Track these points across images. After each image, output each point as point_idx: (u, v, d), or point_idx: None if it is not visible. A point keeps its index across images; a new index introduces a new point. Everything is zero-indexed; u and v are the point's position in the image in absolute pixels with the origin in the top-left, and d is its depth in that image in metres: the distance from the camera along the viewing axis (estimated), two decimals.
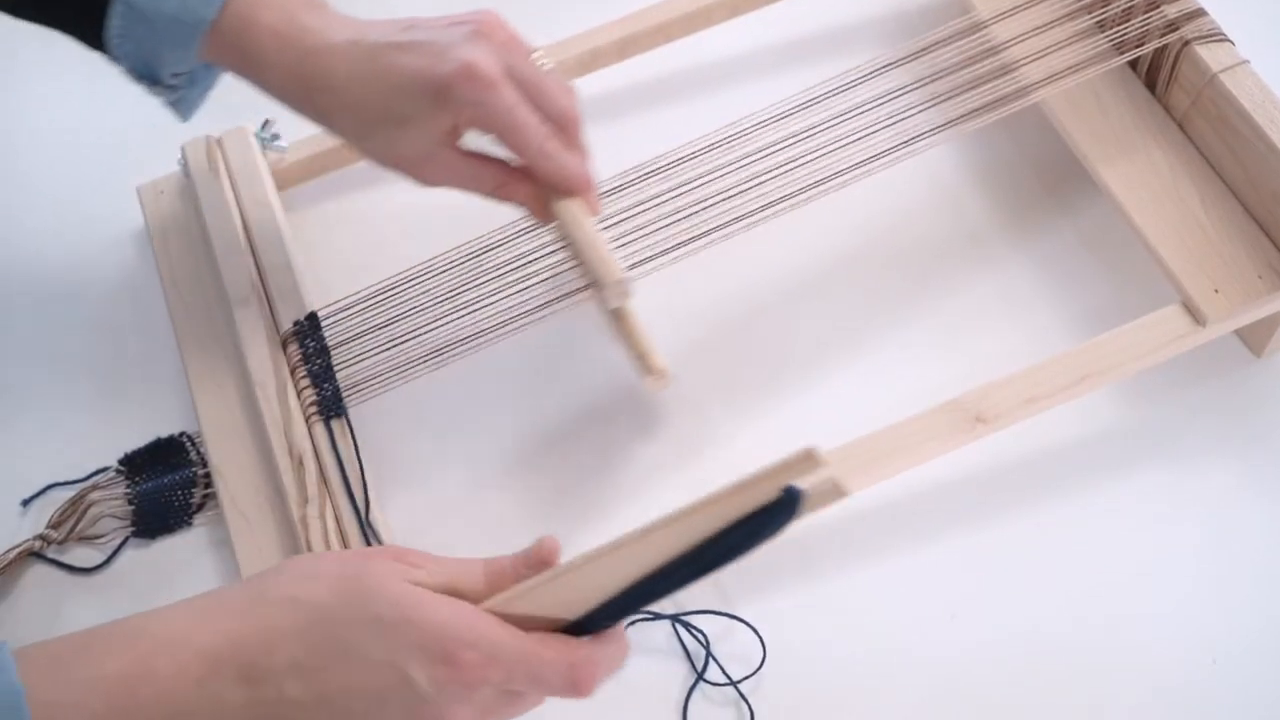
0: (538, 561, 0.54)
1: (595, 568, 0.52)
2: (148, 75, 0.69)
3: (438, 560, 0.54)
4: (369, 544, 0.67)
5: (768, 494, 0.51)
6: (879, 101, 0.73)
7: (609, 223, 0.72)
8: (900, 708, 0.66)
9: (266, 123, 0.83)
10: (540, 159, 0.65)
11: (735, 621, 0.68)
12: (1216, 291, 0.70)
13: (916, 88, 0.74)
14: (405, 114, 0.64)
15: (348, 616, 0.51)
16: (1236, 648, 0.66)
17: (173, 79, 0.69)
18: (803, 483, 0.51)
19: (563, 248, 0.70)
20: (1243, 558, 0.69)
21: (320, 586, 0.51)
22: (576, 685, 0.52)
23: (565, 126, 0.66)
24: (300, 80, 0.66)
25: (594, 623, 0.54)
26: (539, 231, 0.73)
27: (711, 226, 0.72)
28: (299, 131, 0.84)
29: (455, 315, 0.72)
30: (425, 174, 0.67)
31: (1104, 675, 0.66)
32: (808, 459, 0.51)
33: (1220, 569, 0.69)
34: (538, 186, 0.68)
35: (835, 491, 0.52)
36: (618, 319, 0.68)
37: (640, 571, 0.52)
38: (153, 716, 0.49)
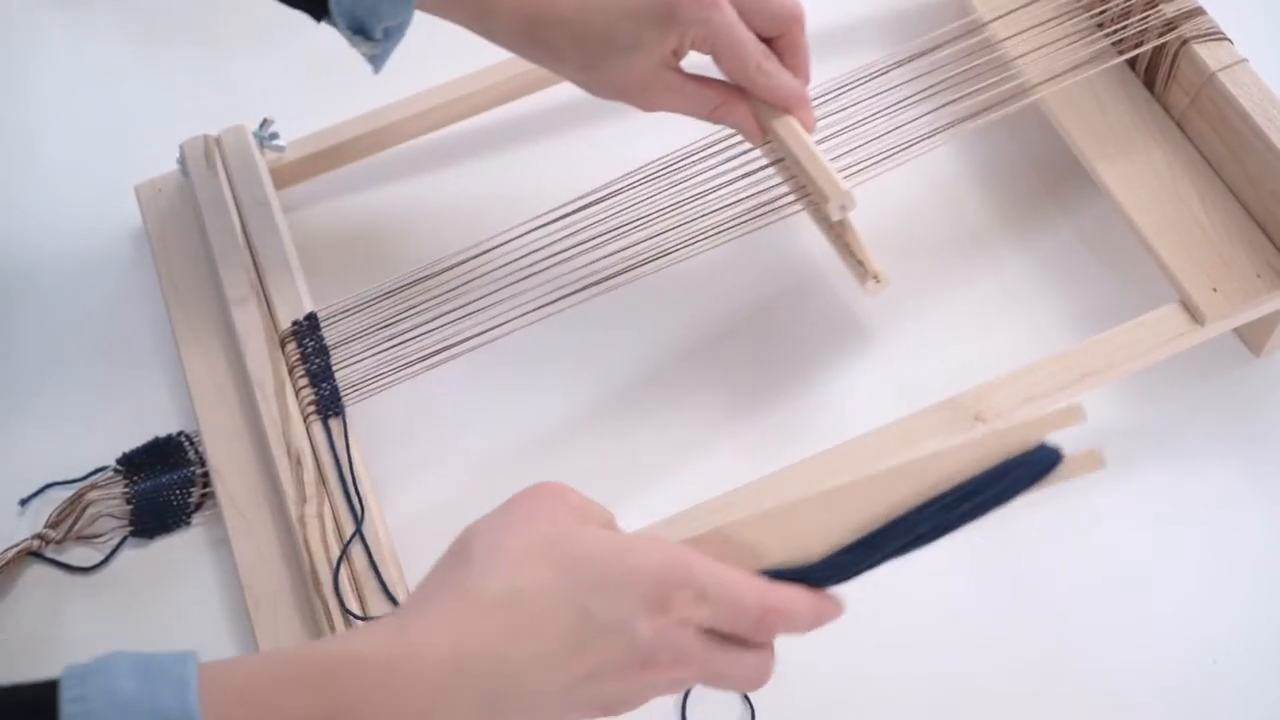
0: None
1: (814, 509, 0.48)
2: (358, 29, 0.69)
3: (573, 498, 0.52)
4: (366, 547, 0.67)
5: (1023, 444, 0.48)
6: (880, 103, 0.73)
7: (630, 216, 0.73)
8: (901, 708, 0.66)
9: (265, 122, 0.83)
10: (758, 76, 0.67)
11: None
12: (1215, 290, 0.70)
13: (918, 89, 0.74)
14: (633, 39, 0.65)
15: (572, 592, 0.48)
16: (1237, 648, 0.66)
17: (380, 33, 0.70)
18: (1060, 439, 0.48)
19: (772, 164, 0.72)
20: (1242, 557, 0.69)
21: (535, 570, 0.48)
22: (765, 626, 0.50)
23: (790, 28, 0.68)
24: (527, 17, 0.67)
25: (812, 577, 0.50)
26: (538, 236, 0.73)
27: (711, 228, 0.72)
28: (297, 130, 0.84)
29: (455, 315, 0.72)
30: (649, 98, 0.69)
31: (1104, 675, 0.66)
32: (1072, 413, 0.49)
33: (1220, 568, 0.69)
34: (753, 106, 0.69)
35: (1093, 460, 0.50)
36: (839, 229, 0.70)
37: (864, 522, 0.48)
38: None
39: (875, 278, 0.71)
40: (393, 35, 0.71)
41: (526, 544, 0.49)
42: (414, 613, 0.48)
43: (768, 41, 0.68)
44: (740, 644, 0.51)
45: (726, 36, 0.66)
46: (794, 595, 0.51)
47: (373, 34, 0.69)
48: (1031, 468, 0.49)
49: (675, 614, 0.48)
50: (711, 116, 0.70)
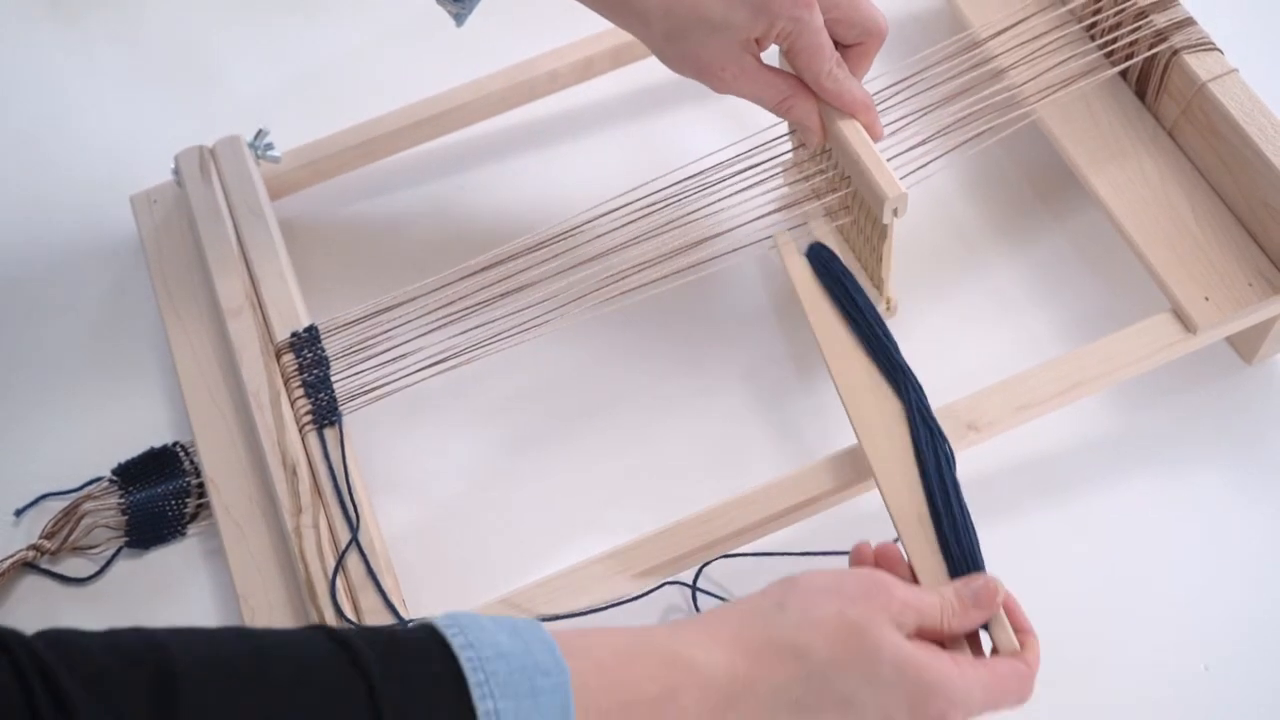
0: (982, 599, 0.60)
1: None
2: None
3: (906, 596, 0.57)
4: (363, 557, 0.67)
5: None
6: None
7: (626, 237, 0.73)
8: None
9: (260, 132, 0.83)
10: (828, 81, 0.69)
11: None
12: (1207, 299, 0.70)
13: (914, 107, 0.74)
14: (723, 17, 0.67)
15: (849, 673, 0.54)
16: (1229, 654, 0.67)
17: None
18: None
19: (818, 174, 0.74)
20: (1234, 563, 0.69)
21: (823, 638, 0.54)
22: (1025, 696, 0.58)
23: (870, 40, 0.70)
24: None
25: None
26: (535, 249, 0.73)
27: (712, 235, 0.72)
28: (292, 141, 0.84)
29: (450, 328, 0.72)
30: (725, 79, 0.70)
31: (1096, 681, 0.66)
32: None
33: (1212, 574, 0.69)
34: (820, 105, 0.71)
35: None
36: (875, 241, 0.71)
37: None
38: None
39: (887, 302, 0.73)
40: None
41: (836, 618, 0.55)
42: (725, 627, 0.55)
43: (843, 48, 0.70)
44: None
45: (810, 38, 0.68)
46: (1028, 654, 0.60)
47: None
48: None
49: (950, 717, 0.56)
50: (779, 108, 0.71)
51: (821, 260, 0.72)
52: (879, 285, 0.73)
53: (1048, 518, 0.71)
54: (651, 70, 0.88)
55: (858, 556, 0.63)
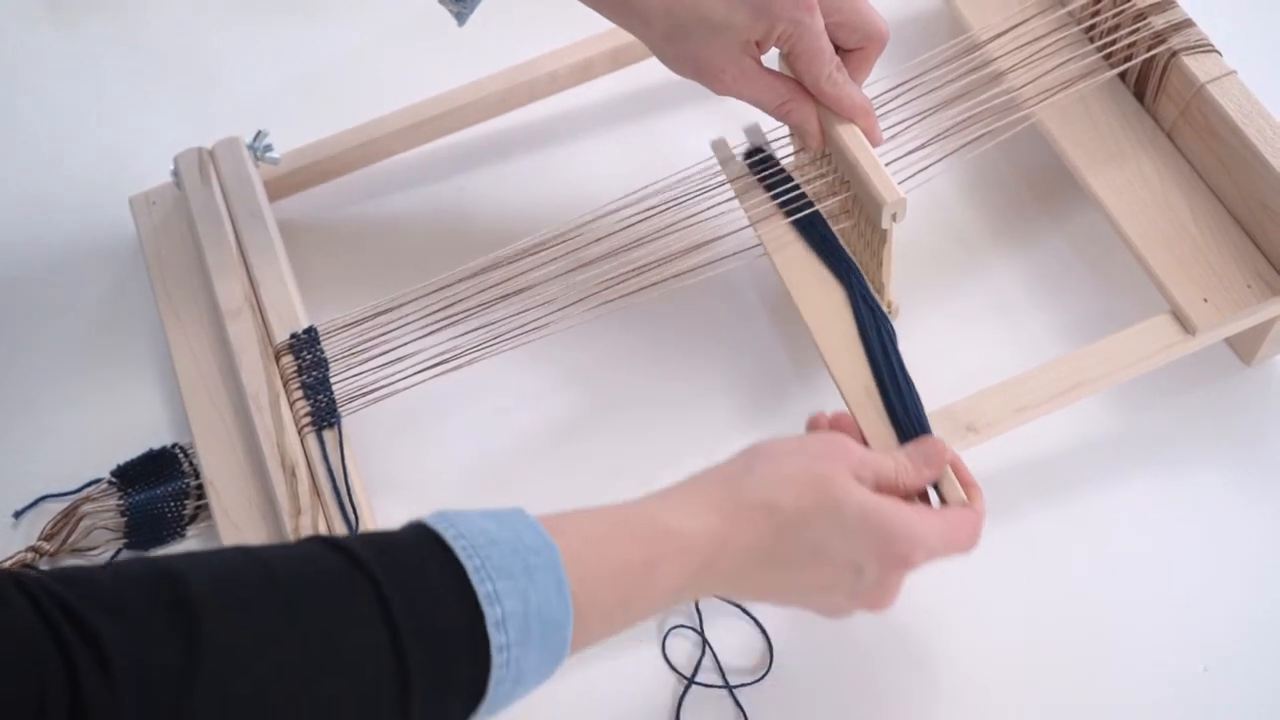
0: (931, 459, 0.63)
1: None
2: None
3: (864, 454, 0.61)
4: None
5: None
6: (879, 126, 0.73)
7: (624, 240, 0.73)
8: (895, 714, 0.66)
9: (259, 134, 0.83)
10: (828, 85, 0.69)
11: (738, 623, 0.68)
12: (1205, 300, 0.70)
13: (915, 110, 0.74)
14: (724, 18, 0.67)
15: (817, 523, 0.57)
16: (1228, 654, 0.67)
17: None
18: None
19: (818, 177, 0.74)
20: (1233, 564, 0.69)
21: (791, 492, 0.57)
22: (975, 543, 0.62)
23: (870, 46, 0.70)
24: None
25: None
26: (535, 252, 0.73)
27: (710, 239, 0.72)
28: (291, 143, 0.84)
29: (449, 329, 0.72)
30: (724, 81, 0.70)
31: (1095, 682, 0.66)
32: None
33: (1211, 575, 0.69)
34: (820, 109, 0.71)
35: None
36: (876, 244, 0.71)
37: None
38: (661, 597, 0.55)
39: (888, 306, 0.73)
40: None
41: (803, 473, 0.58)
42: (699, 494, 0.58)
43: (844, 52, 0.70)
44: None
45: (810, 42, 0.68)
46: (975, 503, 0.63)
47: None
48: None
49: (910, 566, 0.59)
50: (778, 111, 0.71)
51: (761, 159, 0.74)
52: (879, 289, 0.73)
53: (1047, 518, 0.71)
54: (651, 72, 0.88)
55: (814, 424, 0.66)
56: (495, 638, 0.49)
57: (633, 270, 0.72)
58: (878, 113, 0.71)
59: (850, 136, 0.69)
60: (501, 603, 0.49)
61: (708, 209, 0.74)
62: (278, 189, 0.84)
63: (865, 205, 0.69)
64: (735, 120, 0.78)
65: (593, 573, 0.53)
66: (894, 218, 0.68)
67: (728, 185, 0.75)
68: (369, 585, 0.48)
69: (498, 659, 0.49)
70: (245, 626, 0.45)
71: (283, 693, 0.45)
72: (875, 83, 0.74)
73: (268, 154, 0.83)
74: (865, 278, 0.71)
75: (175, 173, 0.82)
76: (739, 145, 0.76)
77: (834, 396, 0.70)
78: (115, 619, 0.43)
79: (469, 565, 0.49)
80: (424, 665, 0.47)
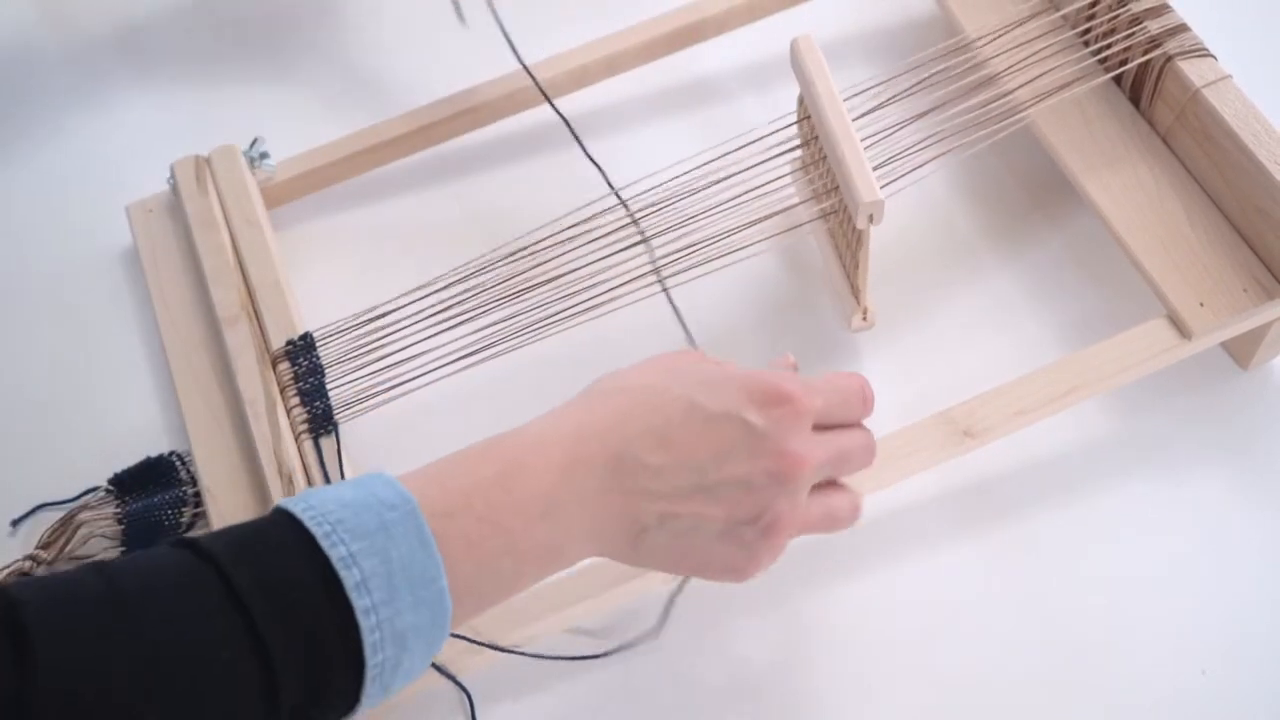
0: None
1: None
2: None
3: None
4: None
5: None
6: (869, 126, 0.73)
7: (620, 244, 0.73)
8: (887, 713, 0.66)
9: (255, 141, 0.83)
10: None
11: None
12: (1202, 305, 0.70)
13: (908, 111, 0.74)
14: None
15: (678, 385, 0.55)
16: (1226, 658, 0.67)
17: None
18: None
19: (818, 178, 0.73)
20: (1231, 568, 0.69)
21: (644, 374, 0.57)
22: (869, 401, 0.60)
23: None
24: None
25: None
26: (530, 255, 0.73)
27: (701, 243, 0.72)
28: (287, 150, 0.84)
29: (447, 334, 0.72)
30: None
31: (1093, 686, 0.66)
32: None
33: (1208, 579, 0.69)
34: (810, 105, 0.71)
35: None
36: (854, 247, 0.70)
37: None
38: (528, 509, 0.52)
39: (864, 312, 0.73)
40: None
41: (640, 369, 0.57)
42: (548, 415, 0.56)
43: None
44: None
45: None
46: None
47: None
48: None
49: (793, 405, 0.55)
50: None
51: None
52: (856, 293, 0.73)
53: (1044, 522, 0.71)
54: (645, 79, 0.88)
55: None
56: (358, 601, 0.47)
57: (633, 272, 0.72)
58: (869, 114, 0.71)
59: (842, 134, 0.69)
60: (360, 564, 0.48)
61: (708, 209, 0.74)
62: (274, 196, 0.84)
63: (847, 205, 0.69)
64: (737, 128, 0.78)
65: (445, 503, 0.51)
66: (870, 219, 0.68)
67: (725, 184, 0.75)
68: (212, 573, 0.46)
69: (365, 622, 0.47)
70: (81, 637, 0.44)
71: (130, 694, 0.43)
72: (868, 83, 0.74)
73: (264, 161, 0.83)
74: (846, 280, 0.70)
75: (172, 180, 0.82)
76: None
77: None
78: None
79: (318, 532, 0.48)
80: (285, 644, 0.46)
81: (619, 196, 0.74)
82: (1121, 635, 0.68)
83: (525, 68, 0.81)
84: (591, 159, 0.79)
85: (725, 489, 0.54)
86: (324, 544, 0.48)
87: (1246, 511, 0.71)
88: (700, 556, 0.56)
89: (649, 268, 0.72)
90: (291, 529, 0.48)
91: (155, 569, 0.47)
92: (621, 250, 0.73)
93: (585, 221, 0.74)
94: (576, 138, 0.81)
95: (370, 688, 0.49)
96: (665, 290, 0.73)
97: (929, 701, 0.67)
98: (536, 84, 0.82)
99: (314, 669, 0.47)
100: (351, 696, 0.49)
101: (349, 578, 0.47)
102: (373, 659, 0.48)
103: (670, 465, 0.54)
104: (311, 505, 0.49)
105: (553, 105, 0.82)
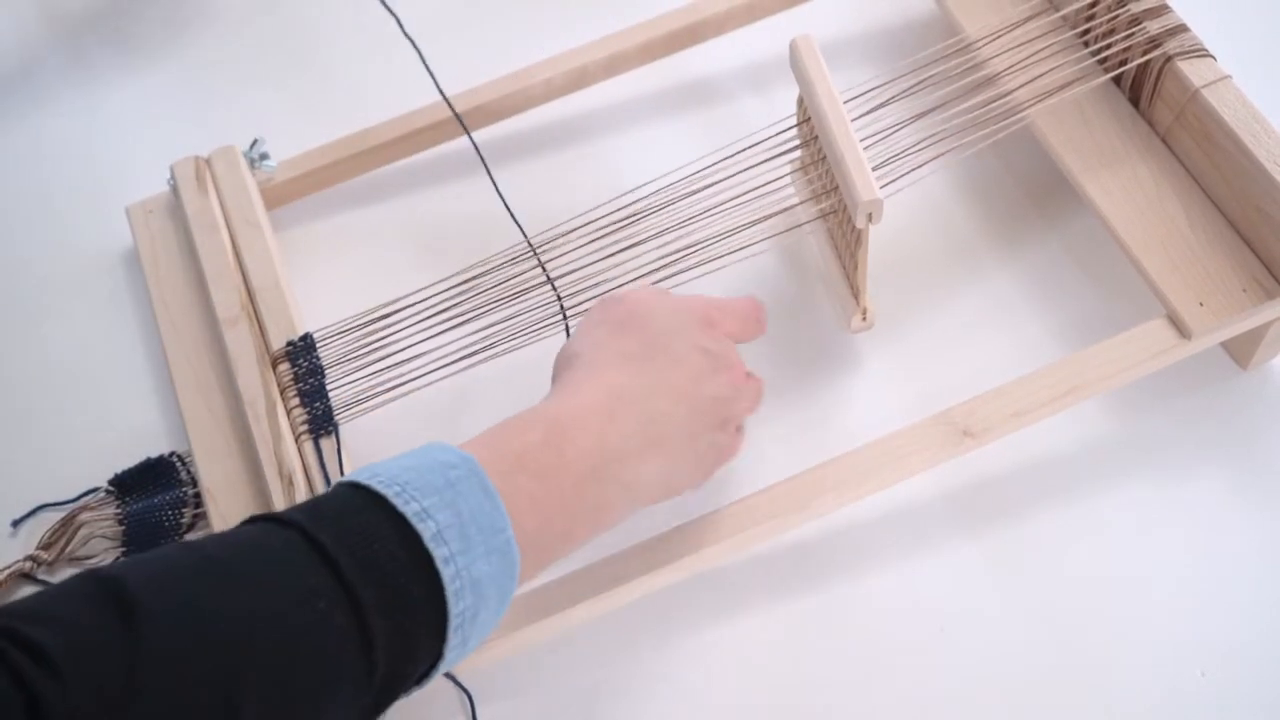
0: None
1: None
2: None
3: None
4: None
5: None
6: (869, 126, 0.73)
7: (622, 243, 0.73)
8: (883, 712, 0.66)
9: (255, 142, 0.83)
10: None
11: None
12: (1201, 305, 0.70)
13: (907, 111, 0.74)
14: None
15: (654, 339, 0.63)
16: (1225, 659, 0.67)
17: None
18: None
19: (818, 178, 0.74)
20: (1230, 568, 0.69)
21: (625, 339, 0.63)
22: (762, 322, 0.69)
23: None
24: None
25: None
26: (535, 253, 0.74)
27: (701, 243, 0.72)
28: (287, 150, 0.84)
29: (450, 337, 0.72)
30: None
31: (1092, 687, 0.66)
32: None
33: (1207, 579, 0.69)
34: (808, 101, 0.72)
35: None
36: (853, 246, 0.71)
37: None
38: (577, 468, 0.57)
39: (863, 313, 0.73)
40: None
41: (612, 330, 0.63)
42: (564, 388, 0.61)
43: None
44: None
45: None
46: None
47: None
48: None
49: (720, 329, 0.65)
50: None
51: None
52: (856, 293, 0.73)
53: (1044, 522, 0.71)
54: (645, 80, 0.88)
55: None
56: (437, 551, 0.50)
57: (632, 272, 0.72)
58: (869, 114, 0.71)
59: (841, 133, 0.69)
60: (434, 517, 0.50)
61: (707, 209, 0.74)
62: (274, 197, 0.84)
63: (846, 204, 0.69)
64: (739, 128, 0.78)
65: (503, 465, 0.54)
66: (870, 218, 0.68)
67: (726, 183, 0.75)
68: (298, 534, 0.49)
69: (446, 571, 0.50)
70: (180, 597, 0.46)
71: (230, 643, 0.45)
72: (867, 84, 0.74)
73: (264, 162, 0.83)
74: (846, 281, 0.70)
75: (172, 181, 0.83)
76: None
77: (813, 408, 0.69)
78: (53, 628, 0.44)
79: (389, 493, 0.50)
80: (372, 592, 0.48)
81: (531, 243, 0.75)
82: (1121, 636, 0.68)
83: (447, 101, 0.82)
84: (500, 194, 0.79)
85: (705, 405, 0.62)
86: (396, 502, 0.50)
87: (1246, 512, 0.71)
88: (707, 464, 0.64)
89: (648, 269, 0.72)
90: (363, 494, 0.51)
91: (243, 539, 0.50)
92: (626, 250, 0.73)
93: (586, 227, 0.74)
94: (488, 171, 0.81)
95: (453, 638, 0.51)
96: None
97: (928, 700, 0.67)
98: (458, 117, 0.82)
99: (403, 622, 0.49)
100: (435, 650, 0.51)
101: (426, 530, 0.50)
102: (455, 607, 0.50)
103: (674, 404, 0.61)
104: (377, 473, 0.52)
105: (472, 141, 0.83)
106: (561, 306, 0.72)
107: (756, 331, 0.68)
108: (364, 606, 0.47)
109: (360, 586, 0.48)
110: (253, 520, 0.51)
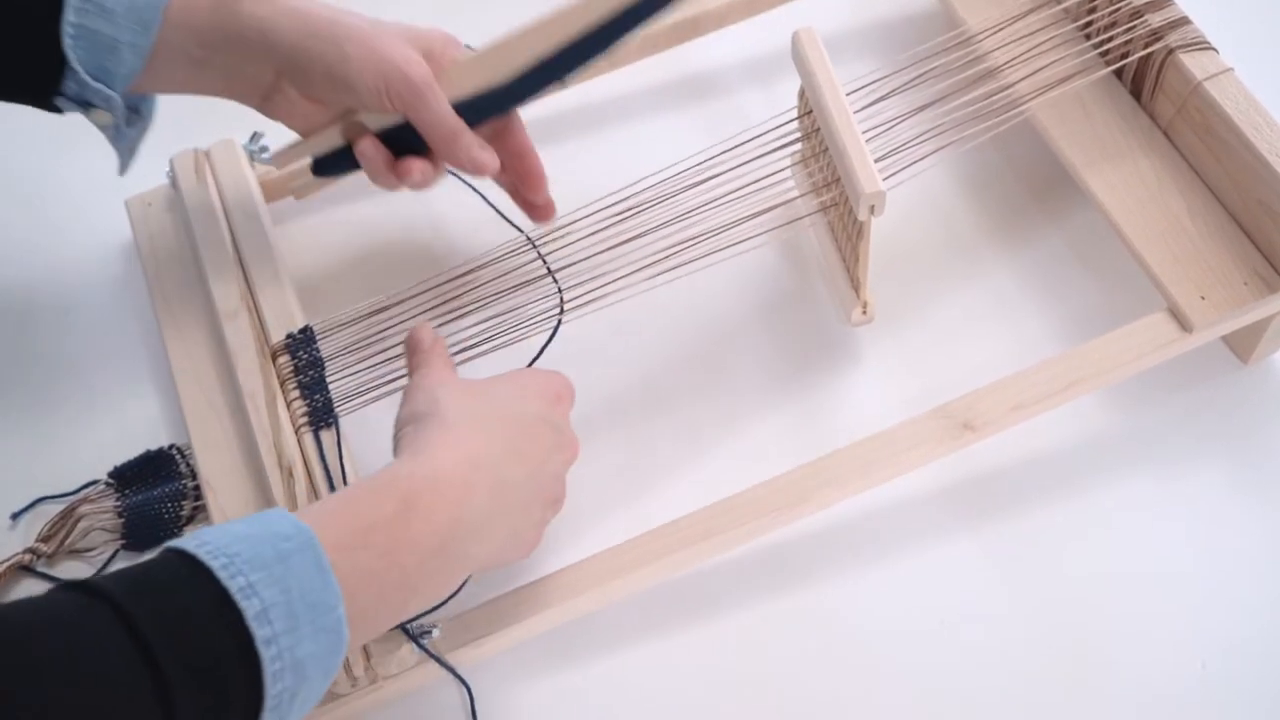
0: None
1: (518, 39, 0.70)
2: (101, 78, 0.68)
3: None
4: None
5: None
6: (870, 119, 0.73)
7: (622, 236, 0.73)
8: (888, 714, 0.66)
9: (255, 135, 0.83)
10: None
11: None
12: (1203, 298, 0.70)
13: (908, 104, 0.74)
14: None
15: (505, 399, 0.62)
16: (1226, 652, 0.67)
17: (119, 86, 0.69)
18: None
19: (819, 170, 0.74)
20: (1230, 562, 0.69)
21: (474, 404, 0.61)
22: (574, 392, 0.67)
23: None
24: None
25: (518, 89, 0.71)
26: (531, 249, 0.73)
27: (702, 236, 0.72)
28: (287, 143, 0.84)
29: (449, 329, 0.72)
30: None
31: (1092, 681, 0.66)
32: None
33: (1208, 573, 0.69)
34: (811, 98, 0.72)
35: None
36: (855, 239, 0.70)
37: (554, 45, 0.69)
38: (424, 544, 0.55)
39: (864, 306, 0.72)
40: (135, 122, 0.73)
41: (458, 393, 0.62)
42: (421, 450, 0.59)
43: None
44: None
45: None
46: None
47: (113, 83, 0.69)
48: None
49: (563, 405, 0.65)
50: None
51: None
52: (857, 286, 0.72)
53: (1045, 515, 0.71)
54: (646, 72, 0.88)
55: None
56: (259, 630, 0.47)
57: (632, 264, 0.72)
58: (870, 106, 0.71)
59: (843, 125, 0.69)
60: (260, 594, 0.48)
61: (706, 203, 0.74)
62: (274, 189, 0.84)
63: (848, 197, 0.69)
64: (737, 123, 0.78)
65: (343, 539, 0.52)
66: (872, 210, 0.67)
67: (725, 176, 0.74)
68: (109, 610, 0.46)
69: (266, 652, 0.47)
70: None
71: None
72: (868, 76, 0.74)
73: (263, 155, 0.82)
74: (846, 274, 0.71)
75: (171, 174, 0.82)
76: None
77: (815, 401, 0.69)
78: None
79: (215, 564, 0.48)
80: (183, 672, 0.45)
81: (530, 239, 0.75)
82: (1121, 629, 0.68)
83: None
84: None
85: (547, 481, 0.62)
86: (221, 575, 0.48)
87: (1247, 506, 0.71)
88: (531, 540, 0.63)
89: (648, 262, 0.72)
90: (187, 565, 0.48)
91: (47, 611, 0.47)
92: (624, 243, 0.73)
93: (583, 221, 0.74)
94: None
95: (267, 717, 0.48)
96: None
97: (927, 694, 0.66)
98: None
99: (213, 696, 0.46)
100: None
101: (249, 608, 0.47)
102: (273, 688, 0.48)
103: (524, 476, 0.61)
104: (206, 541, 0.49)
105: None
106: (561, 300, 0.72)
107: (571, 403, 0.67)
108: (171, 687, 0.45)
109: (169, 666, 0.45)
110: (66, 588, 0.48)
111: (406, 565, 0.54)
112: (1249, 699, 0.65)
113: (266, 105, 0.72)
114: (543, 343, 0.71)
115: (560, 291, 0.72)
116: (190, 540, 0.49)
